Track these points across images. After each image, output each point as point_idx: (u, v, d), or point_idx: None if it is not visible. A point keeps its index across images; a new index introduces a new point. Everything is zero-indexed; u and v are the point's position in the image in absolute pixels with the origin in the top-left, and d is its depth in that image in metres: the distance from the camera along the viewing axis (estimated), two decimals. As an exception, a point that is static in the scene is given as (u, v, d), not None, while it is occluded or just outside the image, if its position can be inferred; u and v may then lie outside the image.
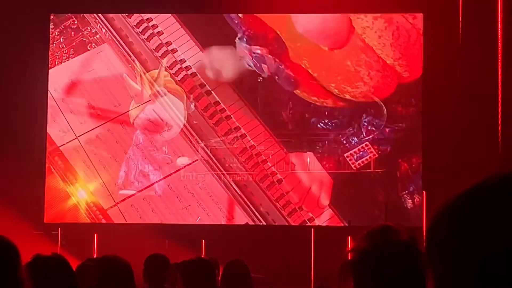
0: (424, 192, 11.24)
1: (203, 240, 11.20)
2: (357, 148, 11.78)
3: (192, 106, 11.93)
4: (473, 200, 1.21)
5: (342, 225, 11.41)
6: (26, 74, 11.81)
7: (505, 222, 1.16)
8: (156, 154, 11.96)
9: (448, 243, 1.20)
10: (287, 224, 11.73)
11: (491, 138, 10.83)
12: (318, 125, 11.85)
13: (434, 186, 10.95)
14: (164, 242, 10.76)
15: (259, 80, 11.84)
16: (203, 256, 9.77)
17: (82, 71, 12.09)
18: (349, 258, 2.47)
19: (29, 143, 11.80)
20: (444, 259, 1.20)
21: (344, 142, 11.81)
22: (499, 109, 11.00)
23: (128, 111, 11.98)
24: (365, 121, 11.80)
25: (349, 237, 10.50)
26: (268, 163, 11.78)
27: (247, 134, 11.88)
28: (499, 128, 10.91)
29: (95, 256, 9.21)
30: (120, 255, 5.03)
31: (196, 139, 11.90)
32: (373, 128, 11.77)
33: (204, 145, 11.84)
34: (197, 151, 11.88)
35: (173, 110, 11.99)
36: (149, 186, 11.96)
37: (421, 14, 11.58)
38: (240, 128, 11.90)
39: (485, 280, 1.15)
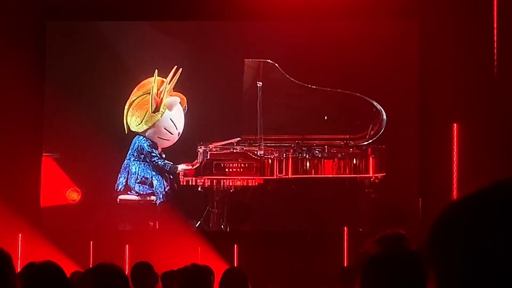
0: (420, 199, 11.26)
1: (199, 247, 11.18)
2: (355, 153, 11.79)
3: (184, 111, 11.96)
4: (484, 202, 1.22)
5: (340, 230, 11.39)
6: (21, 81, 11.78)
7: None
8: (157, 159, 11.94)
9: (459, 243, 1.21)
10: (286, 229, 11.72)
11: (490, 143, 10.83)
12: (317, 130, 11.86)
13: (430, 192, 10.97)
14: (161, 249, 10.74)
15: (258, 85, 11.83)
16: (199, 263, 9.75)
17: (81, 77, 12.09)
18: (359, 260, 2.49)
19: (25, 146, 11.78)
20: (452, 259, 1.20)
21: (343, 147, 11.81)
22: (497, 112, 11.01)
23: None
24: (363, 126, 11.82)
25: (346, 242, 10.51)
26: (268, 168, 11.76)
27: (246, 139, 11.88)
28: (498, 132, 10.91)
29: (91, 263, 9.20)
30: (117, 262, 5.01)
31: (195, 144, 11.88)
32: (371, 133, 11.78)
33: (204, 150, 11.83)
34: (197, 156, 11.87)
35: (182, 118, 11.99)
36: (150, 191, 11.94)
37: (416, 21, 11.60)
38: (239, 133, 11.91)
39: (496, 281, 1.15)
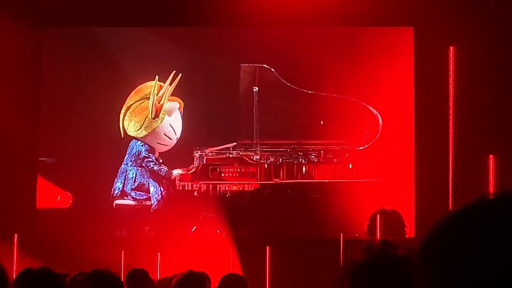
0: (414, 203, 11.28)
1: (195, 253, 11.16)
2: (351, 158, 11.80)
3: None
4: (470, 218, 1.22)
5: (335, 235, 11.38)
6: (18, 86, 11.78)
7: (501, 242, 1.17)
8: (153, 164, 11.93)
9: (450, 265, 1.21)
10: (282, 234, 11.71)
11: (484, 155, 10.84)
12: (313, 135, 11.87)
13: (426, 198, 10.99)
14: (157, 255, 10.74)
15: (254, 90, 11.84)
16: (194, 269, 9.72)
17: (77, 81, 12.08)
18: (347, 269, 2.49)
19: (21, 151, 11.77)
20: (440, 278, 1.20)
21: (339, 152, 11.81)
22: (496, 123, 11.05)
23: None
24: (359, 131, 11.83)
25: (341, 247, 10.49)
26: (264, 172, 11.76)
27: (242, 144, 11.88)
28: (494, 144, 10.93)
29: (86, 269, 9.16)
30: (111, 268, 5.00)
31: (192, 148, 11.88)
32: (367, 138, 11.78)
33: (200, 154, 11.83)
34: (193, 160, 11.87)
35: (180, 123, 11.98)
36: (146, 196, 11.93)
37: (412, 28, 11.61)
38: (235, 138, 11.90)
39: None
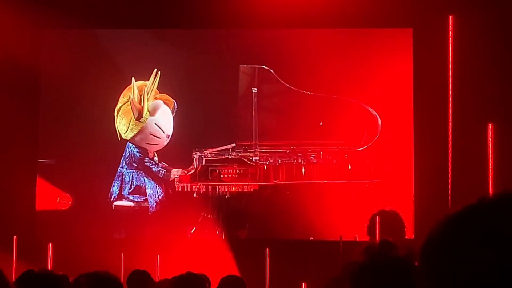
0: (414, 204, 11.28)
1: (195, 254, 11.16)
2: (350, 158, 11.80)
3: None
4: (471, 219, 1.22)
5: (335, 236, 11.38)
6: (16, 88, 11.79)
7: (502, 243, 1.17)
8: (150, 165, 11.93)
9: (448, 263, 1.21)
10: (281, 236, 11.71)
11: (483, 152, 10.85)
12: (312, 136, 11.87)
13: (425, 198, 10.99)
14: (156, 257, 10.73)
15: (253, 91, 11.85)
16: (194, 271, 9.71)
17: (76, 83, 12.07)
18: (348, 270, 2.49)
19: (20, 152, 11.77)
20: (442, 279, 1.20)
21: (338, 152, 11.82)
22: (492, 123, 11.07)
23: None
24: (358, 132, 11.83)
25: (341, 249, 10.49)
26: (263, 174, 11.77)
27: (241, 145, 11.88)
28: (492, 143, 10.94)
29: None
30: (110, 270, 5.01)
31: (191, 150, 11.88)
32: (367, 139, 11.79)
33: (199, 156, 11.83)
34: (192, 161, 11.87)
35: (169, 120, 11.97)
36: (144, 199, 11.92)
37: (411, 29, 11.62)
38: (234, 139, 11.90)
39: None
